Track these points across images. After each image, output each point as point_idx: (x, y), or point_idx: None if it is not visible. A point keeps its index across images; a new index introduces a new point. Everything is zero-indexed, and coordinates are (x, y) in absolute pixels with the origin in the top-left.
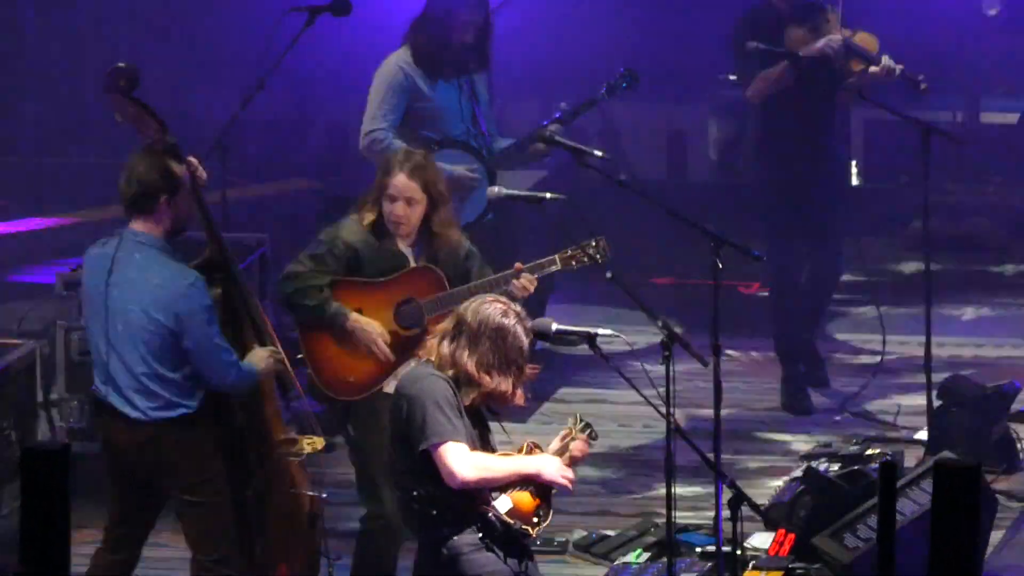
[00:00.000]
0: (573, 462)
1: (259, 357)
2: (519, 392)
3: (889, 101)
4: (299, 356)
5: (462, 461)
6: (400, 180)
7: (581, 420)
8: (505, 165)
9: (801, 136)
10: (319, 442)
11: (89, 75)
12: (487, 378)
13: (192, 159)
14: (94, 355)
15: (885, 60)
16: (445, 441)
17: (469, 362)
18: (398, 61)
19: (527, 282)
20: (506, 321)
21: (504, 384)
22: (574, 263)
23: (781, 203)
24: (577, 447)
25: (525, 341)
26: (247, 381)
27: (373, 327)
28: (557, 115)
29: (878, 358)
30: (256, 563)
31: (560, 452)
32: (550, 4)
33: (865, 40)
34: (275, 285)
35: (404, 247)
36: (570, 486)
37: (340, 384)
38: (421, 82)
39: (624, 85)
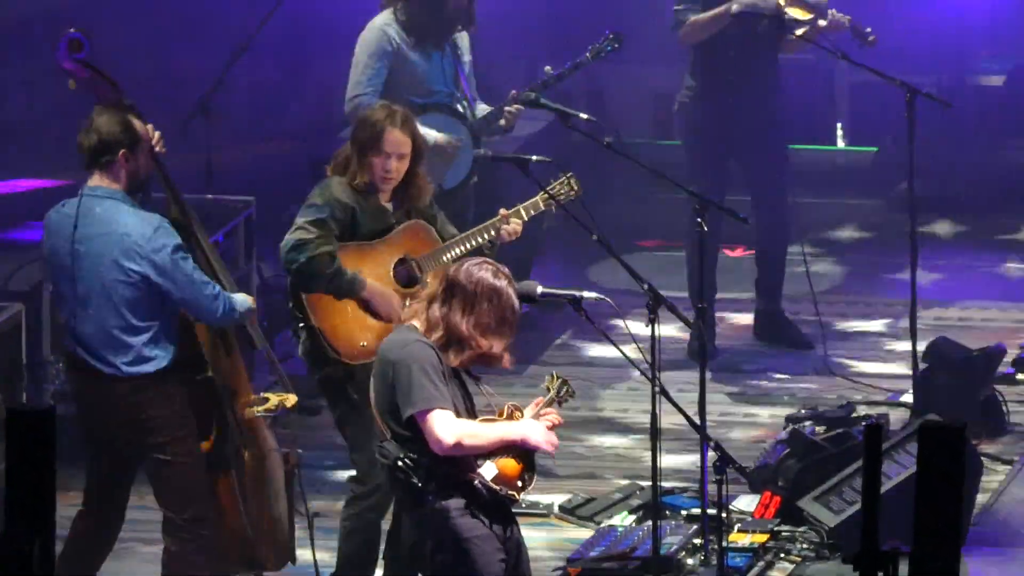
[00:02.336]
0: (552, 427)
1: (244, 296)
2: (507, 354)
3: (870, 63)
4: (300, 325)
5: (448, 428)
6: (395, 135)
7: (557, 378)
8: (486, 132)
9: (736, 88)
10: (290, 398)
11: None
12: (483, 340)
13: (149, 126)
14: (64, 316)
15: (833, 13)
16: (432, 408)
17: (464, 324)
18: (382, 25)
19: (516, 225)
20: (499, 283)
21: (497, 346)
22: (553, 202)
23: (710, 149)
24: (551, 418)
25: (516, 303)
26: (237, 313)
27: (390, 292)
28: (541, 79)
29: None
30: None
31: (536, 415)
32: None
33: None
34: (282, 254)
35: (384, 203)
36: (553, 451)
37: (354, 349)
38: (405, 46)
39: (609, 48)
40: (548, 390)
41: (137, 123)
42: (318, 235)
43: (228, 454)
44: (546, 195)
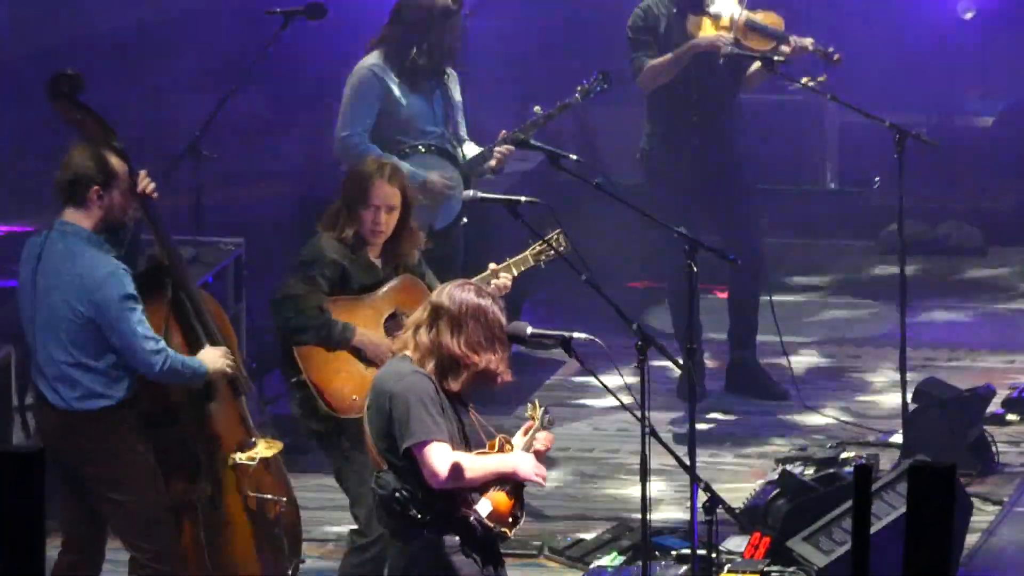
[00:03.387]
0: (539, 456)
1: (210, 356)
2: (506, 369)
3: (862, 104)
4: (293, 380)
5: (445, 462)
6: (384, 189)
7: (539, 407)
8: (476, 173)
9: (697, 130)
10: (276, 445)
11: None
12: (476, 357)
13: (142, 172)
14: (28, 343)
15: (795, 39)
16: (429, 441)
17: (454, 345)
18: (371, 66)
19: (505, 280)
20: (483, 301)
21: (493, 361)
22: (543, 258)
23: (675, 195)
24: (543, 440)
25: (503, 317)
26: (183, 373)
27: (379, 338)
28: (531, 119)
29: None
30: (215, 563)
31: (527, 446)
32: (525, 4)
33: (769, 19)
34: (272, 310)
35: (374, 257)
36: (543, 482)
37: (345, 403)
38: (394, 86)
39: (598, 88)
40: (532, 419)
41: (114, 160)
42: (307, 290)
43: (196, 500)
44: (535, 251)
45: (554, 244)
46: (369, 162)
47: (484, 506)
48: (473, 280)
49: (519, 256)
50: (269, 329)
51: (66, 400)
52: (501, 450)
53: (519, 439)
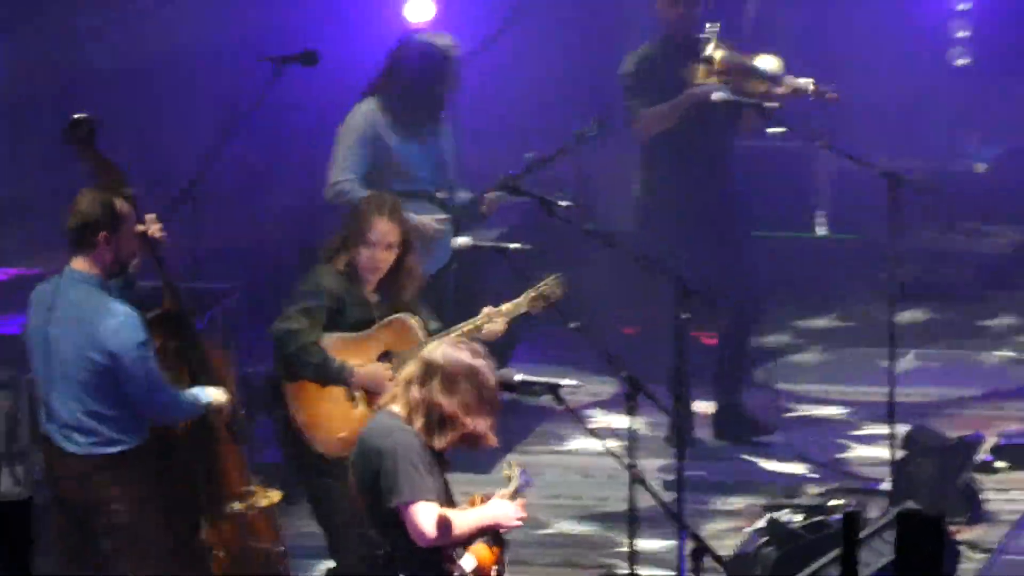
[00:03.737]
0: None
1: (212, 390)
2: (491, 433)
3: (856, 150)
4: (280, 414)
5: (432, 521)
6: (383, 225)
7: (514, 465)
8: (467, 218)
9: (690, 177)
10: (275, 495)
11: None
12: (468, 420)
13: (150, 216)
14: (39, 392)
15: (790, 80)
16: (417, 500)
17: (447, 404)
18: (364, 112)
19: (499, 324)
20: (477, 362)
21: (481, 425)
22: (539, 304)
23: (668, 241)
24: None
25: (494, 380)
26: (189, 412)
27: (375, 368)
28: (525, 164)
29: (826, 408)
30: None
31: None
32: (519, 51)
33: (765, 61)
34: (272, 342)
35: (369, 294)
36: (521, 524)
37: (331, 441)
38: (387, 133)
39: (593, 135)
40: (508, 479)
41: (120, 204)
42: (308, 324)
43: (196, 547)
44: (531, 296)
45: (549, 290)
46: (369, 197)
47: (468, 561)
48: (467, 324)
49: (514, 301)
50: (260, 379)
51: (82, 446)
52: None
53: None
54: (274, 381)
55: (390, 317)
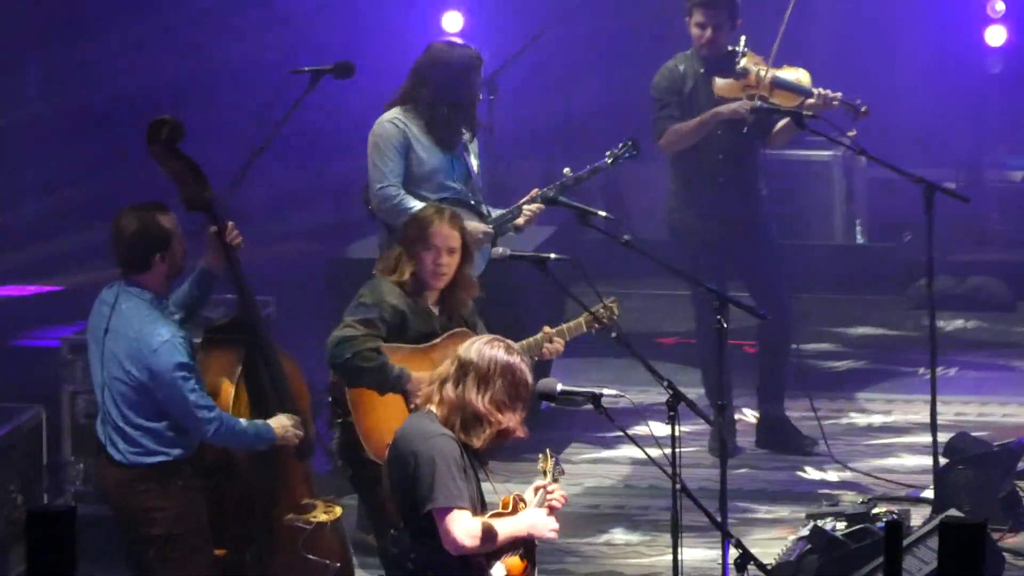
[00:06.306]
0: (553, 511)
1: (278, 424)
2: (521, 426)
3: (892, 159)
4: (339, 420)
5: (465, 530)
6: (443, 229)
7: (551, 457)
8: (503, 230)
9: (721, 189)
10: (336, 511)
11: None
12: (499, 415)
13: (230, 223)
14: (96, 396)
15: (819, 91)
16: (452, 507)
17: (480, 401)
18: (391, 119)
19: (558, 344)
20: (512, 359)
21: (513, 420)
22: (596, 325)
23: (702, 252)
24: (558, 497)
25: (530, 377)
26: (243, 439)
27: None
28: (560, 180)
29: (868, 417)
30: None
31: (540, 503)
32: (549, 65)
33: (795, 74)
34: (328, 349)
35: (431, 305)
36: (556, 536)
37: (385, 450)
38: (416, 141)
39: (627, 155)
40: (544, 472)
41: (164, 220)
42: (365, 332)
43: (246, 562)
44: (590, 317)
45: (607, 312)
46: (428, 206)
47: (498, 571)
48: (526, 341)
49: (573, 322)
50: (327, 392)
51: (124, 454)
52: (515, 508)
53: (530, 495)
54: (334, 391)
55: (454, 329)
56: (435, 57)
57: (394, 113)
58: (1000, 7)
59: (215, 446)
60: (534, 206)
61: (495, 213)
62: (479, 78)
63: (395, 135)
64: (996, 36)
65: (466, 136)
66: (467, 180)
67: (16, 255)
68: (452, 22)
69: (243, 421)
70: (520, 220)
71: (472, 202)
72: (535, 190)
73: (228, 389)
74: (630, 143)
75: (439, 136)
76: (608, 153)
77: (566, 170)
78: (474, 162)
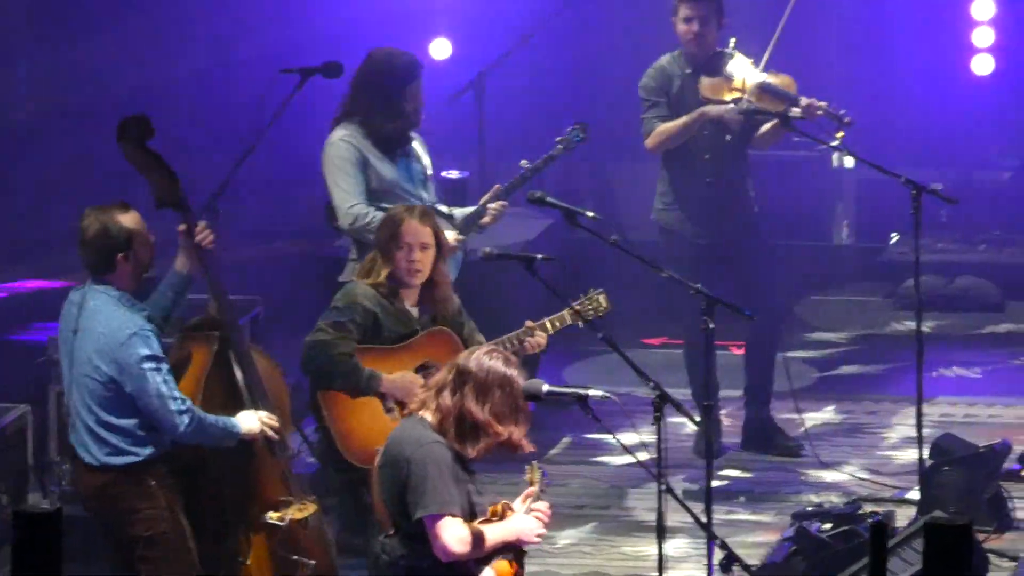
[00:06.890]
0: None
1: (246, 417)
2: (525, 440)
3: (877, 159)
4: (315, 428)
5: (456, 536)
6: (413, 226)
7: (537, 469)
8: (470, 230)
9: (710, 191)
10: (309, 508)
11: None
12: (500, 427)
13: (201, 223)
14: (67, 400)
15: (804, 100)
16: (443, 514)
17: (479, 412)
18: (341, 137)
19: (540, 338)
20: (510, 371)
21: (515, 433)
22: (581, 317)
23: (690, 252)
24: (543, 510)
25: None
26: (212, 433)
27: (406, 377)
28: (519, 173)
29: (855, 419)
30: None
31: (527, 511)
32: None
33: (782, 81)
34: (302, 354)
35: (410, 306)
36: (540, 542)
37: (367, 453)
38: (370, 155)
39: (577, 139)
40: (531, 482)
41: (126, 220)
42: (336, 336)
43: (223, 558)
44: (573, 310)
45: (594, 304)
46: (398, 207)
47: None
48: (509, 336)
49: (556, 315)
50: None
51: (95, 456)
52: (503, 516)
53: (519, 504)
54: (313, 393)
55: (429, 328)
56: (375, 66)
57: (343, 131)
58: (986, 9)
59: (187, 443)
60: (497, 204)
61: (458, 213)
62: (419, 84)
63: (350, 154)
64: (984, 38)
65: (415, 140)
66: (426, 183)
67: (6, 251)
68: (440, 49)
69: (211, 416)
70: (486, 219)
71: (439, 208)
72: (497, 186)
73: (198, 385)
74: (578, 126)
75: (386, 145)
76: (558, 139)
77: (523, 162)
78: (427, 161)
